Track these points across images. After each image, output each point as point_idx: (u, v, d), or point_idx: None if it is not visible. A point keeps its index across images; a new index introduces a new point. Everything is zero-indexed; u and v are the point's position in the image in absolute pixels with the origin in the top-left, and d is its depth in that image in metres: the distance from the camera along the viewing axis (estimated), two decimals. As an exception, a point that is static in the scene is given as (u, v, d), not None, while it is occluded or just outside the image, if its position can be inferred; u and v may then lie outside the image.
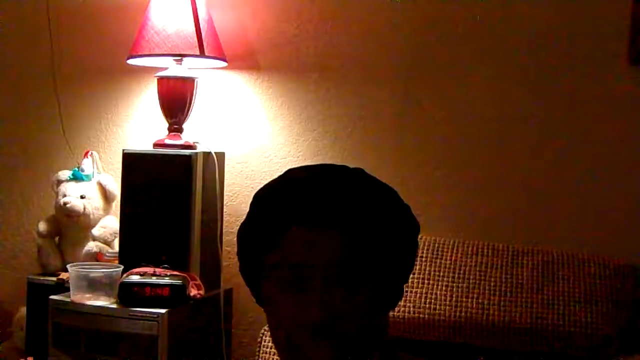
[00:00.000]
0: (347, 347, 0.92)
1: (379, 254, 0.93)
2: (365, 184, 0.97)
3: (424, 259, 2.00)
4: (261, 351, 2.04)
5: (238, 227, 1.02)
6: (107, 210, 2.41)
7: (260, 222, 0.97)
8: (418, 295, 1.93)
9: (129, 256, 2.14)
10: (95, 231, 2.35)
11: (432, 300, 1.92)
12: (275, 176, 1.01)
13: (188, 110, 2.26)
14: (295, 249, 0.92)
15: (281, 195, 0.96)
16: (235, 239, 1.03)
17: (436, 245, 2.02)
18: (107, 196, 2.40)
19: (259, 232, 0.97)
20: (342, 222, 0.91)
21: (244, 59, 2.39)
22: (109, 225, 2.37)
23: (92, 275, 2.05)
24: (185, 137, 2.26)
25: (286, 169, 1.03)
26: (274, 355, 2.00)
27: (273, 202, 0.96)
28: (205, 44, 2.18)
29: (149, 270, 2.03)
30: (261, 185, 1.01)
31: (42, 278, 2.31)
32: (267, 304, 0.98)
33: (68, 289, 2.09)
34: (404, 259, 1.00)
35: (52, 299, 2.07)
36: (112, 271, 2.06)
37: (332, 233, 0.91)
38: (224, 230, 2.28)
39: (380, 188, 0.98)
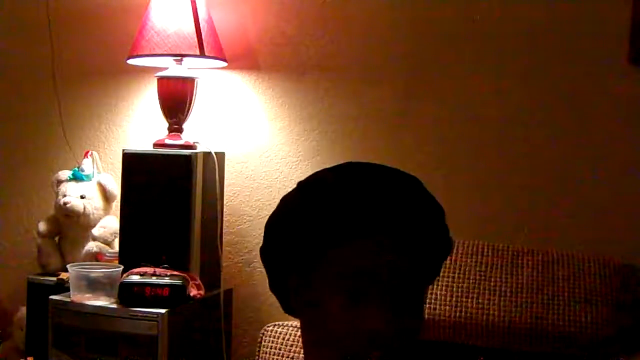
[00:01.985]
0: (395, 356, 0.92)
1: (425, 271, 0.94)
2: (423, 198, 0.98)
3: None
4: (261, 351, 2.04)
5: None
6: (107, 210, 2.41)
7: (316, 230, 0.93)
8: (418, 295, 1.93)
9: (129, 256, 2.14)
10: (95, 231, 2.35)
11: (432, 300, 1.92)
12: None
13: (188, 110, 2.26)
14: (361, 258, 0.90)
15: (342, 204, 0.92)
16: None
17: (436, 245, 2.02)
18: (107, 196, 2.40)
19: (321, 232, 0.92)
20: (404, 237, 0.91)
21: (244, 59, 2.39)
22: (109, 225, 2.37)
23: (92, 275, 2.05)
24: (185, 137, 2.26)
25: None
26: (274, 355, 2.00)
27: (333, 211, 0.92)
28: (205, 44, 2.18)
29: (149, 270, 2.03)
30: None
31: (42, 278, 2.31)
32: (318, 312, 0.94)
33: (68, 289, 2.09)
34: (435, 275, 1.01)
35: (52, 299, 2.07)
36: (112, 271, 2.06)
37: (396, 243, 0.90)
38: (224, 230, 2.28)
39: (435, 205, 0.98)
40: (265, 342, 2.03)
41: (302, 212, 0.95)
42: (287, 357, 1.98)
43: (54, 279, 2.26)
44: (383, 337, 0.89)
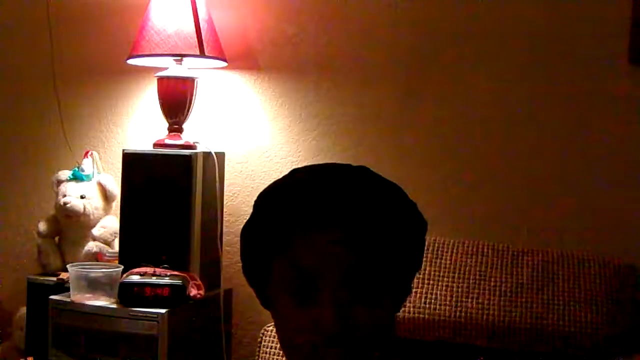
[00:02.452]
0: (360, 352, 0.89)
1: (391, 257, 0.91)
2: (371, 184, 0.95)
3: (423, 259, 1.99)
4: (261, 351, 2.04)
5: (241, 228, 0.99)
6: (107, 210, 2.41)
7: (267, 227, 0.94)
8: (418, 295, 1.93)
9: (129, 256, 2.14)
10: (95, 231, 2.35)
11: (432, 300, 1.92)
12: (275, 176, 0.99)
13: (188, 110, 2.26)
14: (304, 257, 0.89)
15: (287, 201, 0.93)
16: (236, 238, 1.02)
17: (436, 245, 2.02)
18: (107, 196, 2.40)
19: (266, 237, 0.94)
20: (351, 227, 0.89)
21: (244, 59, 2.39)
22: (109, 225, 2.37)
23: (92, 275, 2.05)
24: (185, 137, 2.26)
25: (286, 169, 1.02)
26: (274, 355, 2.00)
27: (280, 207, 0.93)
28: (205, 44, 2.18)
29: (149, 270, 2.03)
30: (261, 185, 1.00)
31: (42, 278, 2.31)
32: (276, 312, 0.95)
33: (68, 289, 2.09)
34: (414, 257, 0.98)
35: (52, 299, 2.07)
36: (112, 271, 2.06)
37: (341, 238, 0.88)
38: (224, 230, 2.28)
39: (386, 187, 0.96)
40: (265, 342, 2.03)
41: (253, 219, 0.98)
42: (287, 357, 1.98)
43: (54, 279, 2.26)
44: (338, 334, 0.87)
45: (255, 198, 0.98)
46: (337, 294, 0.87)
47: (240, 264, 1.03)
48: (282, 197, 0.94)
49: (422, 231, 0.99)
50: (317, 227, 0.89)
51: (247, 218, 0.98)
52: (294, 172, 0.98)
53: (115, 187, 2.39)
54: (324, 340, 0.87)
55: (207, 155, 2.21)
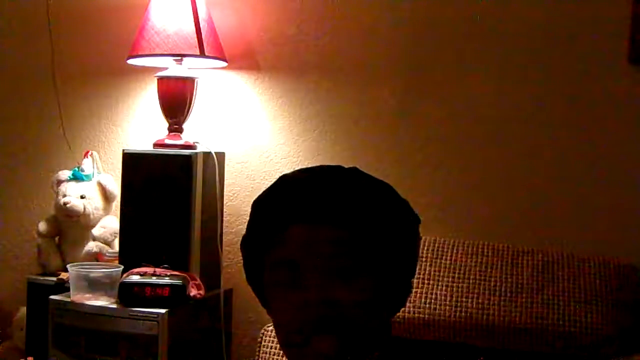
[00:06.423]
0: (351, 339, 0.92)
1: (378, 245, 0.94)
2: (359, 180, 0.98)
3: (424, 259, 1.99)
4: (261, 351, 2.04)
5: (241, 228, 1.03)
6: (107, 210, 2.41)
7: (259, 225, 0.99)
8: (418, 295, 1.93)
9: (129, 256, 2.14)
10: (95, 231, 2.35)
11: (432, 300, 1.92)
12: (275, 176, 1.02)
13: (188, 110, 2.26)
14: (291, 247, 0.93)
15: (277, 197, 0.97)
16: (236, 239, 1.05)
17: (436, 245, 2.02)
18: (107, 196, 2.40)
19: (258, 235, 0.99)
20: (336, 217, 0.92)
21: (244, 59, 2.39)
22: (109, 225, 2.37)
23: (92, 275, 2.05)
24: (185, 137, 2.26)
25: (286, 169, 1.04)
26: (274, 355, 2.00)
27: (269, 204, 0.98)
28: (205, 44, 2.18)
29: (149, 270, 2.03)
30: (261, 186, 1.02)
31: (42, 278, 2.31)
32: (270, 304, 0.99)
33: (68, 289, 2.10)
34: (406, 251, 1.00)
35: (52, 299, 2.07)
36: (112, 271, 2.06)
37: (327, 228, 0.92)
38: (224, 230, 2.28)
39: (375, 183, 0.99)
40: (265, 342, 2.03)
41: (249, 224, 1.03)
42: (287, 357, 1.98)
43: (54, 279, 2.26)
44: (326, 320, 0.90)
45: (255, 198, 1.00)
46: (323, 278, 0.91)
47: (241, 264, 1.04)
48: (271, 196, 0.98)
49: (413, 225, 1.01)
50: (304, 219, 0.93)
51: (245, 218, 1.01)
52: (283, 175, 1.01)
53: (115, 187, 2.39)
54: (313, 325, 0.90)
55: (207, 155, 2.21)
